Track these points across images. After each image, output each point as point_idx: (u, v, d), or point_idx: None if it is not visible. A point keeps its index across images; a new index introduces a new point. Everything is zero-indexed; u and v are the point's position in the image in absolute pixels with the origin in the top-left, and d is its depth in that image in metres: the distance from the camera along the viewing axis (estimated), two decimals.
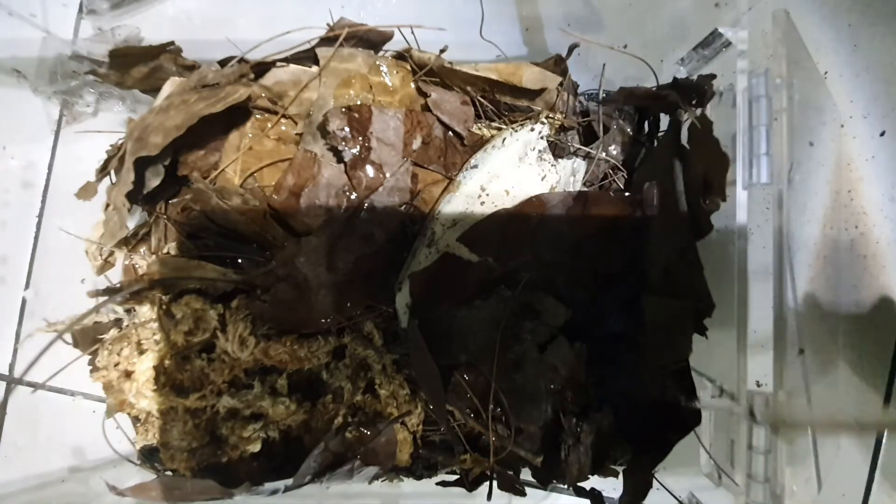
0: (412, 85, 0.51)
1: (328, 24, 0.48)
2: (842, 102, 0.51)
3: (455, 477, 0.50)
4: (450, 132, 0.51)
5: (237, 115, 0.49)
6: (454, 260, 0.48)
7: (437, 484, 0.50)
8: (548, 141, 0.50)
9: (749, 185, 0.41)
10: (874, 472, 0.47)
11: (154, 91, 0.50)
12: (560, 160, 0.51)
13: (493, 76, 0.49)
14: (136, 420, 0.49)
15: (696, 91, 0.47)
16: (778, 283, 0.38)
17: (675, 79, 0.49)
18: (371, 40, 0.50)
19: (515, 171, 0.49)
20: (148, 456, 0.50)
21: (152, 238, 0.51)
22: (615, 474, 0.48)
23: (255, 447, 0.46)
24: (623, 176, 0.53)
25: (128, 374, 0.47)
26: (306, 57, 0.50)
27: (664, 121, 0.53)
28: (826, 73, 0.51)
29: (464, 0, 0.51)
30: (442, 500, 0.50)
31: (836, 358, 0.49)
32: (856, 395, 0.49)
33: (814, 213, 0.46)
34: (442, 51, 0.48)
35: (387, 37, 0.49)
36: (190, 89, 0.47)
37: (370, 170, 0.47)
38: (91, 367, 0.49)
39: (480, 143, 0.51)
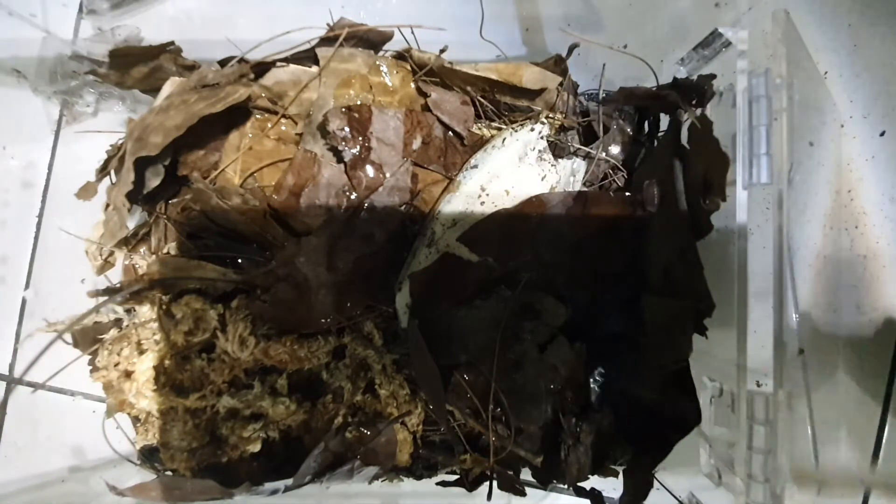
0: (412, 85, 0.51)
1: (328, 24, 0.48)
2: (842, 102, 0.51)
3: (455, 477, 0.50)
4: (450, 132, 0.51)
5: (237, 115, 0.49)
6: (454, 260, 0.48)
7: (437, 484, 0.50)
8: (548, 141, 0.50)
9: (749, 185, 0.41)
10: (874, 472, 0.47)
11: (154, 91, 0.50)
12: (560, 160, 0.51)
13: (493, 76, 0.49)
14: (136, 420, 0.49)
15: (696, 91, 0.47)
16: (778, 283, 0.38)
17: (675, 79, 0.49)
18: (371, 40, 0.50)
19: (515, 171, 0.49)
20: (148, 456, 0.50)
21: (152, 238, 0.51)
22: (615, 474, 0.48)
23: (255, 447, 0.46)
24: (623, 176, 0.53)
25: (128, 374, 0.47)
26: (306, 57, 0.50)
27: (664, 121, 0.53)
28: (826, 73, 0.51)
29: (464, 0, 0.51)
30: (442, 500, 0.50)
31: (836, 358, 0.49)
32: (855, 394, 0.49)
33: (814, 213, 0.46)
34: (442, 51, 0.48)
35: (387, 37, 0.49)
36: (190, 89, 0.47)
37: (370, 170, 0.47)
38: (91, 367, 0.49)
39: (480, 143, 0.51)
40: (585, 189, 0.52)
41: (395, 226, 0.48)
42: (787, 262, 0.38)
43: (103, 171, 0.49)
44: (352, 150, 0.47)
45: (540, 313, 0.48)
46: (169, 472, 0.47)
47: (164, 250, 0.50)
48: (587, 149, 0.52)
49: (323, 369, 0.48)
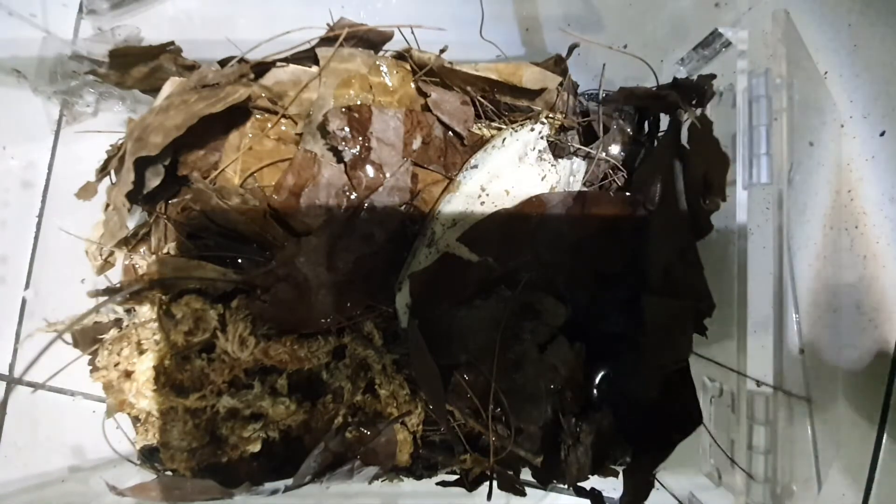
0: (412, 85, 0.51)
1: (328, 24, 0.48)
2: (842, 102, 0.51)
3: (455, 477, 0.50)
4: (450, 132, 0.51)
5: (237, 115, 0.49)
6: (454, 260, 0.48)
7: (437, 484, 0.50)
8: (548, 141, 0.50)
9: (749, 185, 0.41)
10: (874, 472, 0.47)
11: (154, 91, 0.50)
12: (560, 160, 0.51)
13: (493, 76, 0.49)
14: (136, 420, 0.49)
15: (696, 91, 0.47)
16: (778, 283, 0.38)
17: (675, 79, 0.49)
18: (371, 40, 0.50)
19: (515, 171, 0.49)
20: (148, 456, 0.50)
21: (152, 238, 0.51)
22: (615, 474, 0.48)
23: (255, 447, 0.46)
24: (623, 176, 0.53)
25: (128, 374, 0.47)
26: (306, 57, 0.50)
27: (664, 121, 0.53)
28: (826, 73, 0.51)
29: (464, 0, 0.51)
30: (442, 500, 0.50)
31: (835, 358, 0.49)
32: (856, 394, 0.49)
33: (814, 213, 0.46)
34: (442, 51, 0.48)
35: (387, 37, 0.49)
36: (190, 89, 0.47)
37: (370, 170, 0.47)
38: (91, 367, 0.49)
39: (480, 143, 0.51)
40: (585, 189, 0.52)
41: (395, 226, 0.48)
42: (787, 262, 0.38)
43: (103, 171, 0.49)
44: (352, 150, 0.47)
45: (540, 313, 0.48)
46: (169, 472, 0.47)
47: (164, 250, 0.50)
48: (587, 149, 0.52)
49: (323, 369, 0.48)
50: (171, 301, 0.48)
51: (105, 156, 0.50)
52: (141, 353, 0.47)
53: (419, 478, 0.50)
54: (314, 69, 0.49)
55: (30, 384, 0.47)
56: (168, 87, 0.49)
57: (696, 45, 0.47)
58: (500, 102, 0.52)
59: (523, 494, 0.47)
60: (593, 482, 0.48)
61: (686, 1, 0.50)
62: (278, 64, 0.49)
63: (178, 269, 0.47)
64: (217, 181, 0.49)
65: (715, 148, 0.43)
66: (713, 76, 0.46)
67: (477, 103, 0.52)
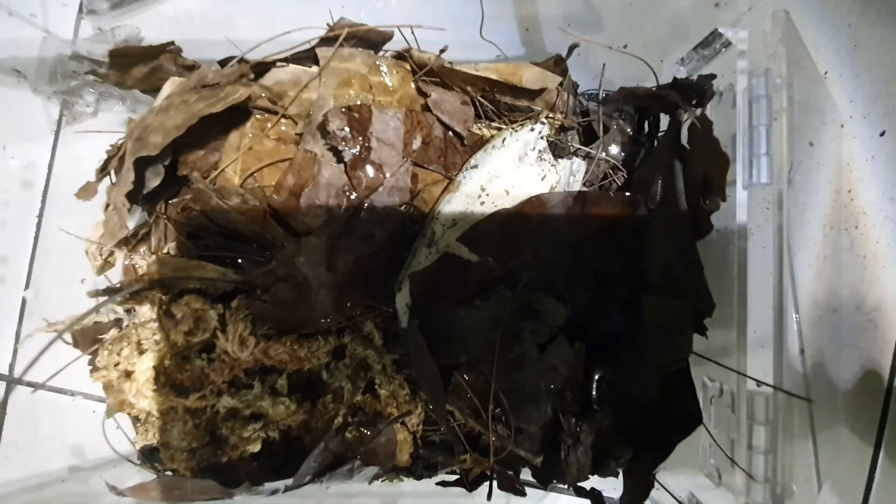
0: (412, 85, 0.51)
1: (328, 24, 0.48)
2: (842, 102, 0.51)
3: (455, 477, 0.50)
4: (450, 132, 0.51)
5: (237, 115, 0.49)
6: (454, 260, 0.48)
7: (437, 484, 0.50)
8: (548, 141, 0.50)
9: (749, 185, 0.41)
10: (874, 472, 0.47)
11: (154, 91, 0.50)
12: (560, 160, 0.51)
13: (493, 76, 0.49)
14: (136, 420, 0.49)
15: (696, 91, 0.47)
16: (778, 283, 0.38)
17: (675, 79, 0.49)
18: (371, 40, 0.50)
19: (515, 171, 0.49)
20: (148, 456, 0.50)
21: (152, 238, 0.51)
22: (615, 474, 0.48)
23: (255, 447, 0.46)
24: (623, 176, 0.53)
25: (128, 374, 0.47)
26: (306, 57, 0.50)
27: (664, 121, 0.53)
28: (826, 73, 0.51)
29: (464, 0, 0.51)
30: (442, 500, 0.50)
31: (836, 358, 0.49)
32: (855, 394, 0.49)
33: (814, 213, 0.46)
34: (442, 51, 0.48)
35: (387, 37, 0.49)
36: (190, 89, 0.47)
37: (370, 170, 0.47)
38: (91, 367, 0.49)
39: (480, 143, 0.51)
40: (585, 189, 0.52)
41: (395, 226, 0.48)
42: (787, 262, 0.38)
43: (103, 171, 0.49)
44: (352, 150, 0.47)
45: (540, 313, 0.48)
46: (169, 472, 0.47)
47: (164, 250, 0.50)
48: (587, 149, 0.52)
49: (323, 369, 0.48)
50: (171, 301, 0.48)
51: (105, 156, 0.50)
52: (141, 353, 0.47)
53: (419, 478, 0.50)
54: (314, 69, 0.49)
55: (30, 384, 0.47)
56: (168, 87, 0.49)
57: (696, 45, 0.47)
58: (500, 102, 0.52)
59: (523, 494, 0.47)
60: (593, 482, 0.48)
61: (686, 1, 0.50)
62: (278, 64, 0.49)
63: (178, 269, 0.47)
64: (217, 181, 0.49)
65: (715, 148, 0.43)
66: (713, 76, 0.46)
67: (477, 103, 0.52)
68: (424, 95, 0.50)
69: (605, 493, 0.47)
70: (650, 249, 0.48)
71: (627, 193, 0.51)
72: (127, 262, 0.51)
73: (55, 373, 0.47)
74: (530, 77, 0.50)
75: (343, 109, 0.47)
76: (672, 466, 0.44)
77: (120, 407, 0.47)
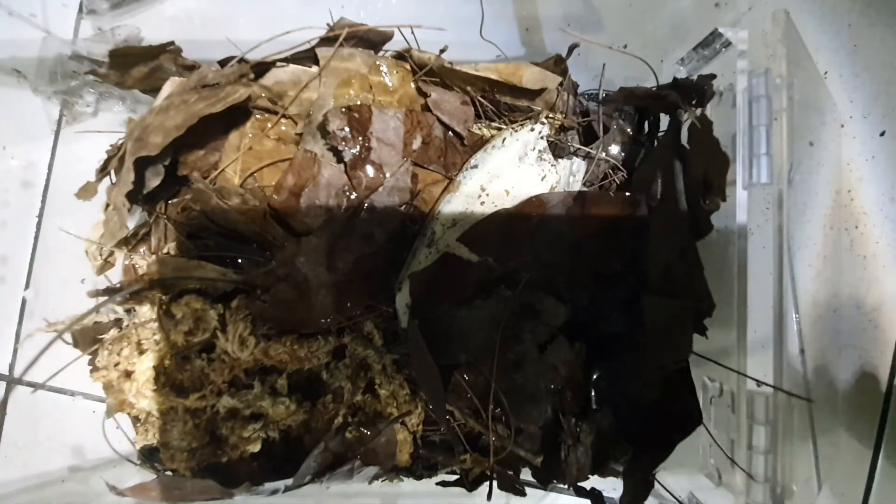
0: (412, 85, 0.51)
1: (328, 24, 0.48)
2: (842, 102, 0.51)
3: (455, 477, 0.50)
4: (450, 132, 0.51)
5: (237, 115, 0.49)
6: (454, 260, 0.48)
7: (437, 484, 0.50)
8: (548, 141, 0.50)
9: (749, 185, 0.41)
10: (874, 472, 0.47)
11: (154, 91, 0.50)
12: (560, 160, 0.51)
13: (493, 76, 0.49)
14: (136, 420, 0.49)
15: (696, 91, 0.47)
16: (778, 283, 0.38)
17: (675, 79, 0.49)
18: (371, 40, 0.50)
19: (515, 171, 0.49)
20: (148, 456, 0.50)
21: (152, 238, 0.51)
22: (615, 474, 0.48)
23: (255, 447, 0.46)
24: (623, 176, 0.53)
25: (128, 374, 0.47)
26: (306, 57, 0.50)
27: (664, 121, 0.53)
28: (826, 73, 0.51)
29: (464, 0, 0.51)
30: (442, 500, 0.50)
31: (836, 358, 0.49)
32: (855, 394, 0.49)
33: (814, 213, 0.46)
34: (442, 51, 0.48)
35: (387, 37, 0.49)
36: (190, 89, 0.47)
37: (370, 170, 0.47)
38: (91, 367, 0.49)
39: (480, 143, 0.51)
40: (585, 189, 0.52)
41: (395, 226, 0.48)
42: (787, 262, 0.38)
43: (103, 171, 0.49)
44: (352, 150, 0.47)
45: (540, 313, 0.48)
46: (169, 472, 0.47)
47: (164, 250, 0.50)
48: (587, 149, 0.52)
49: (323, 369, 0.48)
50: (171, 301, 0.48)
51: (105, 156, 0.50)
52: (141, 353, 0.47)
53: (419, 478, 0.50)
54: (314, 69, 0.49)
55: (30, 384, 0.47)
56: (168, 87, 0.49)
57: (696, 45, 0.47)
58: (500, 102, 0.52)
59: (523, 494, 0.47)
60: (593, 482, 0.48)
61: (686, 1, 0.50)
62: (278, 64, 0.49)
63: (178, 269, 0.47)
64: (217, 181, 0.49)
65: (715, 148, 0.43)
66: (713, 76, 0.46)
67: (477, 103, 0.52)
68: (424, 95, 0.50)
69: (605, 493, 0.47)
70: (650, 249, 0.48)
71: (627, 193, 0.51)
72: (127, 262, 0.51)
73: (55, 373, 0.47)
74: (530, 77, 0.50)
75: (343, 109, 0.47)
76: (672, 466, 0.44)
77: (120, 407, 0.47)
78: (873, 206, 0.51)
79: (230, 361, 0.46)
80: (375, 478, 0.48)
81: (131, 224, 0.50)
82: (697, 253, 0.44)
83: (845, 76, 0.51)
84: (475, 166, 0.49)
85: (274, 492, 0.45)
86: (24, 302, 0.50)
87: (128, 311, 0.50)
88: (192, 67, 0.49)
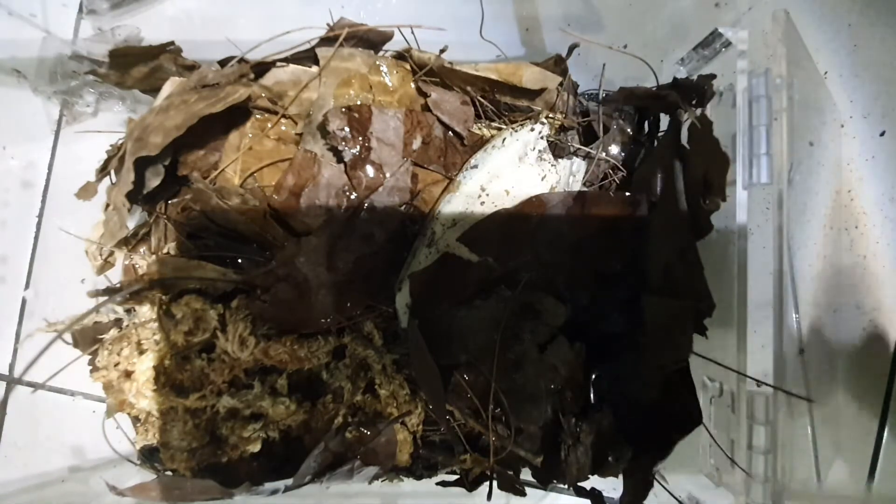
0: (412, 85, 0.51)
1: (328, 24, 0.48)
2: (842, 102, 0.51)
3: (455, 477, 0.50)
4: (450, 132, 0.51)
5: (237, 115, 0.49)
6: (454, 260, 0.48)
7: (437, 484, 0.50)
8: (548, 141, 0.50)
9: (749, 185, 0.41)
10: (874, 472, 0.47)
11: (154, 91, 0.50)
12: (560, 160, 0.51)
13: (493, 76, 0.49)
14: (136, 420, 0.49)
15: (696, 91, 0.47)
16: (778, 284, 0.38)
17: (675, 79, 0.49)
18: (371, 40, 0.50)
19: (515, 171, 0.49)
20: (148, 456, 0.50)
21: (152, 238, 0.51)
22: (615, 474, 0.48)
23: (255, 447, 0.46)
24: (623, 176, 0.53)
25: (128, 374, 0.47)
26: (306, 57, 0.50)
27: (664, 121, 0.53)
28: (826, 73, 0.51)
29: (464, 0, 0.51)
30: (442, 500, 0.50)
31: (835, 358, 0.49)
32: (855, 394, 0.49)
33: (814, 213, 0.46)
34: (442, 51, 0.48)
35: (387, 37, 0.49)
36: (190, 89, 0.47)
37: (370, 170, 0.47)
38: (91, 367, 0.49)
39: (480, 143, 0.51)
40: (585, 189, 0.52)
41: (395, 226, 0.48)
42: (787, 262, 0.38)
43: (103, 171, 0.49)
44: (352, 150, 0.47)
45: (540, 313, 0.48)
46: (169, 472, 0.47)
47: (164, 250, 0.50)
48: (587, 149, 0.52)
49: (323, 369, 0.48)
50: (171, 301, 0.48)
51: (105, 156, 0.50)
52: (141, 353, 0.47)
53: (419, 478, 0.50)
54: (314, 69, 0.49)
55: (30, 384, 0.47)
56: (168, 87, 0.49)
57: (696, 45, 0.47)
58: (500, 102, 0.52)
59: (523, 494, 0.47)
60: (593, 482, 0.48)
61: (686, 1, 0.50)
62: (278, 64, 0.49)
63: (178, 269, 0.47)
64: (217, 181, 0.49)
65: (715, 148, 0.43)
66: (713, 76, 0.46)
67: (477, 103, 0.52)
68: (424, 95, 0.50)
69: (605, 493, 0.47)
70: (650, 249, 0.48)
71: (627, 193, 0.51)
72: (127, 262, 0.51)
73: (55, 373, 0.47)
74: (530, 77, 0.50)
75: (343, 109, 0.47)
76: (672, 466, 0.45)
77: (120, 407, 0.47)
78: (873, 206, 0.51)
79: (230, 361, 0.46)
80: (375, 478, 0.48)
81: (131, 224, 0.50)
82: (697, 253, 0.44)
83: (845, 76, 0.51)
84: (475, 166, 0.49)
85: (274, 492, 0.45)
86: (24, 302, 0.50)
87: (128, 311, 0.50)
88: (192, 67, 0.49)
